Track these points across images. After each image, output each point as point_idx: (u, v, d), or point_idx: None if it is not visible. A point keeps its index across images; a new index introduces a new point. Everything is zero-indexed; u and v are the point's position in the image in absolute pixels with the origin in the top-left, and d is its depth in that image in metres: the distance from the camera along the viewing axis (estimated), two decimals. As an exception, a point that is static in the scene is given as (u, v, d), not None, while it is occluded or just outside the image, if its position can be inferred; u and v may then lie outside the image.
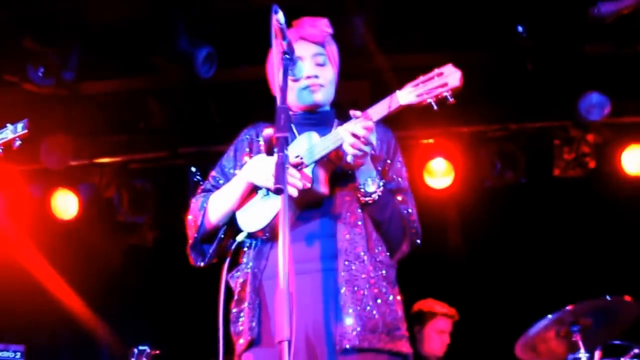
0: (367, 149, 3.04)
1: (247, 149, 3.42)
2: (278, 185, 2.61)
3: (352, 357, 3.01)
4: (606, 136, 6.77)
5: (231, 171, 3.42)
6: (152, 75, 6.62)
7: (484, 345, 6.70)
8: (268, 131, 2.82)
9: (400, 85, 6.22)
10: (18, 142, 3.69)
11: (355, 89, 6.67)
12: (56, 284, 7.38)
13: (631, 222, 6.81)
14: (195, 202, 3.39)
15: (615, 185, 6.81)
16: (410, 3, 6.08)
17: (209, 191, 3.42)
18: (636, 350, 4.85)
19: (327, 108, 3.49)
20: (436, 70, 3.00)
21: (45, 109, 6.60)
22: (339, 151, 3.13)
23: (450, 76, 2.97)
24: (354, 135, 3.00)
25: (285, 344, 2.43)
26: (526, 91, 6.57)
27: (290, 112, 3.34)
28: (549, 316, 4.95)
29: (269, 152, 2.85)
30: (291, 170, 3.03)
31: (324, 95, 3.40)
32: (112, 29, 6.06)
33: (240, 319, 3.19)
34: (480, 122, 6.92)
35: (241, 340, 3.15)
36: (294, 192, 3.01)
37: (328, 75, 3.41)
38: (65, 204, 7.24)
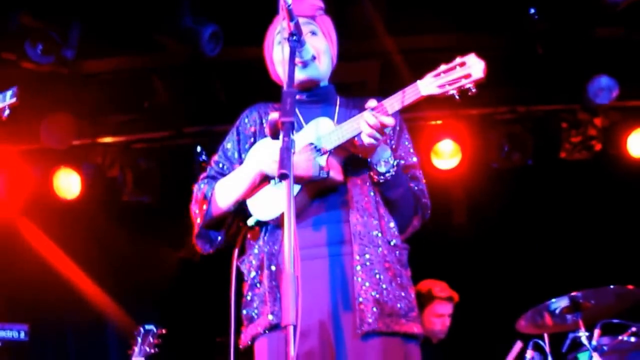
0: (383, 137, 3.02)
1: (251, 132, 3.38)
2: (283, 171, 2.55)
3: (371, 340, 2.98)
4: (613, 119, 6.75)
5: (235, 155, 3.37)
6: (156, 53, 6.53)
7: (488, 325, 6.76)
8: (273, 115, 2.77)
9: (410, 67, 6.25)
10: (7, 112, 3.61)
11: (365, 70, 6.63)
12: (61, 262, 7.36)
13: (637, 204, 6.80)
14: (199, 190, 3.35)
15: (621, 168, 6.82)
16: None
17: (212, 178, 3.38)
18: (634, 329, 4.89)
19: (326, 84, 3.42)
20: (458, 60, 2.91)
21: (46, 87, 6.52)
22: (354, 140, 3.09)
23: (474, 67, 2.86)
24: (373, 127, 2.96)
25: (291, 328, 2.41)
26: (535, 74, 6.54)
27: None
28: (553, 300, 5.03)
29: (275, 137, 2.79)
30: (301, 158, 3.02)
31: (316, 68, 3.33)
32: (115, 5, 5.98)
33: (255, 304, 3.16)
34: (489, 105, 6.89)
35: (258, 327, 3.11)
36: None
37: (320, 44, 3.34)
38: (68, 184, 7.18)
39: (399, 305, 3.05)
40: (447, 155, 6.94)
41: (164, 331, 5.41)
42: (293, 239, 2.50)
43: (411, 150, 3.36)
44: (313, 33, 3.33)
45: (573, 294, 4.95)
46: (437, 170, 6.97)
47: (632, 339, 4.83)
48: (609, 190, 6.98)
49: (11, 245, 6.94)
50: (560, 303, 5.04)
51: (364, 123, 2.97)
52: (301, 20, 3.22)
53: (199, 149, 6.94)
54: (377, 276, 3.04)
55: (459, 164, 6.94)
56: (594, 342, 4.84)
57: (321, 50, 3.33)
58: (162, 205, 7.22)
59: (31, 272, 7.03)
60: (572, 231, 7.18)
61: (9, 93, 3.58)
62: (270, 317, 3.06)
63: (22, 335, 5.96)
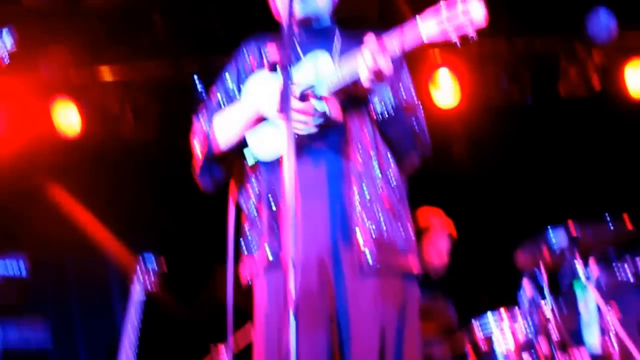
0: (384, 77, 2.98)
1: (250, 66, 3.34)
2: (282, 113, 2.58)
3: (370, 280, 3.02)
4: (611, 56, 6.69)
5: (234, 90, 3.35)
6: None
7: (487, 261, 6.80)
8: (273, 54, 2.74)
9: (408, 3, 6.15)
10: (7, 60, 3.58)
11: (364, 3, 6.57)
12: (61, 196, 7.40)
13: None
14: (199, 124, 3.35)
15: (621, 104, 6.80)
16: None
17: (212, 111, 3.36)
18: (628, 257, 5.00)
19: (327, 20, 3.37)
20: (460, 4, 2.83)
21: (44, 22, 6.44)
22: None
23: (475, 11, 2.81)
24: (372, 70, 2.92)
25: (290, 265, 2.42)
26: (534, 6, 6.46)
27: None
28: (550, 230, 5.08)
29: (273, 68, 2.78)
30: (302, 108, 3.01)
31: (314, 3, 3.28)
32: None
33: (255, 239, 3.17)
34: (487, 39, 6.80)
35: (256, 262, 3.14)
36: (308, 130, 3.02)
37: None
38: (69, 119, 7.15)
39: (398, 243, 3.09)
40: (446, 89, 6.89)
41: (163, 265, 5.45)
42: (293, 179, 2.50)
43: (410, 87, 3.32)
44: None
45: (569, 224, 4.98)
46: (437, 108, 6.96)
47: (628, 273, 4.91)
48: (609, 125, 6.95)
49: (15, 182, 6.94)
50: (557, 235, 5.07)
51: (363, 66, 2.94)
52: None
53: (196, 80, 6.89)
54: (377, 215, 3.06)
55: (459, 102, 6.92)
56: (590, 273, 4.92)
57: None
58: (162, 140, 7.21)
59: (32, 205, 7.09)
60: (572, 166, 7.17)
61: (6, 36, 3.53)
62: (269, 255, 3.08)
63: (22, 271, 5.97)
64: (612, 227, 5.00)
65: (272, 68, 2.76)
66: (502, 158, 7.26)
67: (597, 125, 7.00)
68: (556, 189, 7.19)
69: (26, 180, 7.12)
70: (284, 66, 2.67)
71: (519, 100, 6.86)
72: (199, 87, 6.87)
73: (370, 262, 2.99)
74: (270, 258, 3.08)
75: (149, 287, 5.40)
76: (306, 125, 3.03)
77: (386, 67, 2.91)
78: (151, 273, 5.42)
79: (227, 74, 3.42)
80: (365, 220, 3.04)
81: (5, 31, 3.50)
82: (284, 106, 2.60)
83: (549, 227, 5.05)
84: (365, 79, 2.95)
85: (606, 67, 6.78)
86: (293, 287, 2.41)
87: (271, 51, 3.15)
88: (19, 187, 7.01)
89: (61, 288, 7.58)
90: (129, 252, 7.24)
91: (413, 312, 3.11)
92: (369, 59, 2.91)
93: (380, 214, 3.06)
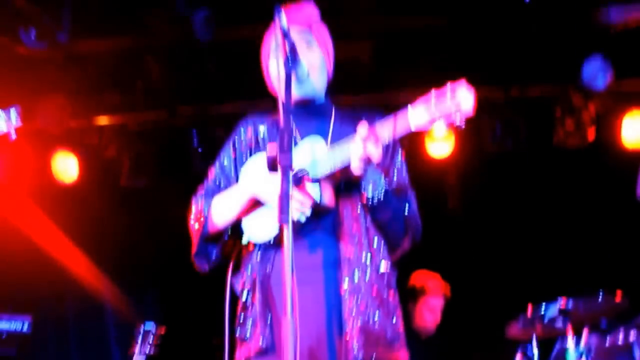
0: (375, 164, 3.04)
1: (247, 147, 3.40)
2: (283, 217, 2.61)
3: None
4: (607, 105, 6.70)
5: (232, 171, 3.40)
6: (149, 34, 6.47)
7: (478, 313, 6.82)
8: (272, 150, 2.76)
9: (401, 49, 6.18)
10: (14, 136, 3.61)
11: (357, 50, 6.59)
12: (61, 248, 7.41)
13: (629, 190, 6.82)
14: (196, 207, 3.38)
15: (615, 154, 6.79)
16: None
17: (210, 193, 3.40)
18: (622, 329, 5.00)
19: (322, 98, 3.41)
20: (449, 87, 2.88)
21: (39, 69, 6.49)
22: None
23: (464, 99, 2.84)
24: (363, 159, 2.98)
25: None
26: (529, 56, 6.46)
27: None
28: (542, 307, 5.12)
29: (272, 168, 2.81)
30: (297, 196, 3.03)
31: (312, 85, 3.31)
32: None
33: (248, 325, 3.21)
34: (482, 87, 6.80)
35: (249, 351, 3.17)
36: (302, 218, 3.04)
37: (315, 59, 3.31)
38: (66, 166, 7.23)
39: (385, 334, 3.11)
40: (440, 138, 6.92)
41: (163, 331, 5.50)
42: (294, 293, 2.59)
43: (404, 171, 3.36)
44: (308, 44, 3.30)
45: (562, 301, 5.01)
46: (431, 157, 6.97)
47: (620, 342, 4.93)
48: (603, 177, 6.96)
49: (11, 231, 6.97)
50: (549, 308, 5.11)
51: (354, 154, 2.99)
52: (297, 29, 3.23)
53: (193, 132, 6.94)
54: (365, 303, 3.09)
55: (452, 148, 6.93)
56: (581, 347, 4.93)
57: (316, 65, 3.31)
58: (158, 187, 7.25)
59: (32, 259, 7.10)
60: (564, 216, 7.18)
61: (13, 114, 3.56)
62: (261, 341, 3.12)
63: (26, 327, 6.00)
64: (604, 301, 5.02)
65: (272, 167, 2.79)
66: (495, 208, 7.28)
67: (591, 175, 7.02)
68: (550, 238, 7.21)
69: (24, 232, 7.14)
70: (284, 168, 2.71)
71: (513, 148, 6.86)
72: (194, 139, 6.91)
73: (356, 352, 3.01)
74: (263, 345, 3.11)
75: (148, 352, 5.46)
76: (301, 210, 3.05)
77: (377, 155, 2.97)
78: (151, 340, 5.48)
79: (224, 155, 3.46)
80: (353, 308, 3.06)
81: (12, 110, 3.53)
82: (284, 208, 2.64)
83: (543, 303, 5.08)
84: (356, 166, 3.00)
85: (601, 117, 6.77)
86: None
87: (271, 152, 3.16)
88: (19, 237, 7.03)
89: (62, 343, 7.62)
90: (127, 304, 7.27)
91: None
92: (360, 147, 2.96)
93: (367, 302, 3.09)
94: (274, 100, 3.33)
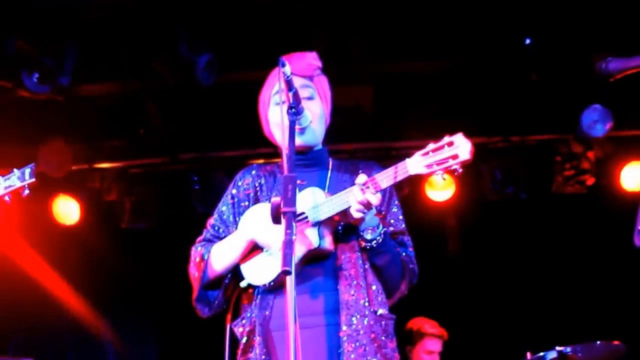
0: (372, 210, 3.09)
1: (245, 196, 3.43)
2: (286, 268, 2.62)
3: None
4: (607, 151, 6.72)
5: (230, 219, 3.43)
6: (150, 78, 6.52)
7: (477, 359, 6.76)
8: (275, 200, 2.79)
9: (402, 94, 6.22)
10: (27, 191, 3.67)
11: (359, 95, 6.64)
12: (61, 291, 7.41)
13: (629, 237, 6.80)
14: (196, 253, 3.41)
15: (614, 201, 6.77)
16: (415, 10, 5.99)
17: (209, 241, 3.44)
18: None
19: (320, 147, 3.46)
20: (446, 139, 2.93)
21: (42, 113, 6.54)
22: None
23: (461, 147, 2.89)
24: (361, 204, 3.02)
25: None
26: (529, 104, 6.52)
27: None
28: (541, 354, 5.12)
29: (276, 221, 2.84)
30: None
31: (313, 134, 3.36)
32: (110, 32, 5.97)
33: None
34: (482, 135, 6.87)
35: None
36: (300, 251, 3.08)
37: (316, 109, 3.36)
38: (67, 210, 7.23)
39: None
40: (440, 186, 6.93)
41: None
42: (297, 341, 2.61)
43: (400, 217, 3.42)
44: (310, 98, 3.35)
45: (560, 349, 5.02)
46: (431, 201, 6.98)
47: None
48: (603, 223, 6.95)
49: (10, 274, 6.95)
50: (547, 356, 5.11)
51: (353, 199, 3.04)
52: (298, 80, 3.26)
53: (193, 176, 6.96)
54: (363, 348, 3.10)
55: (453, 195, 6.95)
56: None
57: (317, 115, 3.36)
58: (159, 230, 7.26)
59: (31, 300, 7.09)
60: (564, 263, 7.21)
61: (27, 171, 3.63)
62: None
63: None
64: (603, 348, 5.03)
65: (276, 215, 2.81)
66: (495, 253, 7.30)
67: (590, 221, 7.03)
68: (548, 292, 7.22)
69: (24, 274, 7.14)
70: (288, 216, 2.73)
71: (513, 196, 6.89)
72: (195, 184, 6.93)
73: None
74: None
75: None
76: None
77: (375, 200, 3.02)
78: None
79: (224, 205, 3.49)
80: (351, 352, 3.08)
81: (28, 169, 3.61)
82: (287, 256, 2.65)
83: (541, 353, 5.07)
84: (355, 210, 3.05)
85: (601, 165, 6.82)
86: None
87: (275, 201, 3.16)
88: (18, 278, 7.02)
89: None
90: (126, 346, 7.25)
91: None
92: (358, 193, 3.02)
93: (365, 347, 3.10)
94: (273, 146, 3.37)
